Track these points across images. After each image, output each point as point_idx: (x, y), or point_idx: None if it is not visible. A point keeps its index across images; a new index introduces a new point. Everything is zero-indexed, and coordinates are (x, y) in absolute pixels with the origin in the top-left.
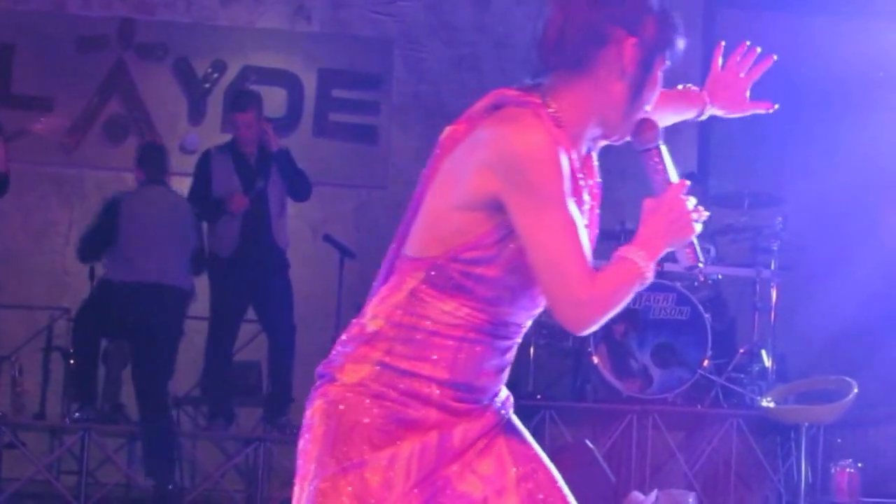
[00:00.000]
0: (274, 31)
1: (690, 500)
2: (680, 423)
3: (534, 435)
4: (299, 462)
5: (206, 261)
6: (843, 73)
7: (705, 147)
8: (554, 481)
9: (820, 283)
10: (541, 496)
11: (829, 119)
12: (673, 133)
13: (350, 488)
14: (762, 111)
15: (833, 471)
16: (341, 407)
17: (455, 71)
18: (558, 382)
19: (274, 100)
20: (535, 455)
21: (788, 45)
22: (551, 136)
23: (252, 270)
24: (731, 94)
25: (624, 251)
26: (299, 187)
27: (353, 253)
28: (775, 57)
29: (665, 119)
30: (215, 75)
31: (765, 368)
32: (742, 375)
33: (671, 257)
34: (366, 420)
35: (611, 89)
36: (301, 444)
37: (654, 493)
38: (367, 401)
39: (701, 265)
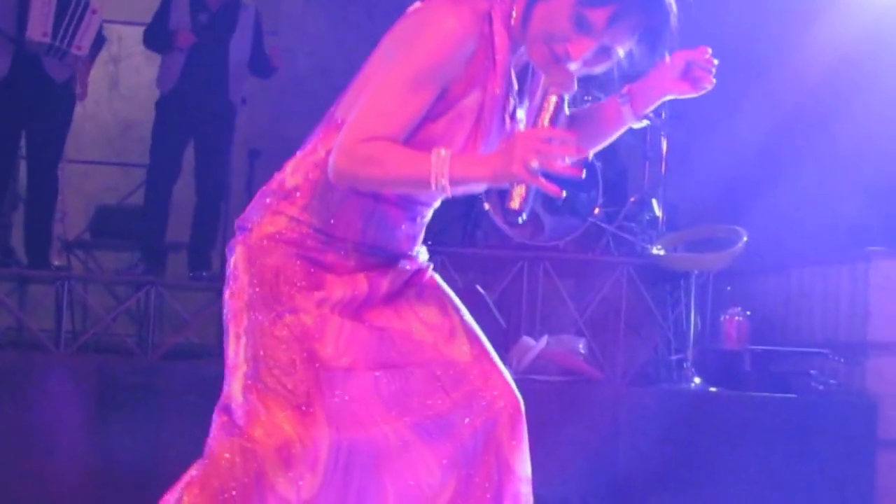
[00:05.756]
0: None
1: (580, 346)
2: (571, 270)
3: None
4: (229, 313)
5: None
6: None
7: None
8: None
9: (710, 131)
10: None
11: None
12: None
13: (287, 332)
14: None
15: (722, 318)
16: (262, 254)
17: None
18: (449, 228)
19: None
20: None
21: None
22: (471, 30)
23: (192, 112)
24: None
25: (439, 151)
26: (261, 63)
27: None
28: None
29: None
30: None
31: (655, 217)
32: (633, 224)
33: None
34: (287, 263)
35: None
36: (227, 294)
37: (544, 339)
38: (285, 246)
39: (521, 219)
